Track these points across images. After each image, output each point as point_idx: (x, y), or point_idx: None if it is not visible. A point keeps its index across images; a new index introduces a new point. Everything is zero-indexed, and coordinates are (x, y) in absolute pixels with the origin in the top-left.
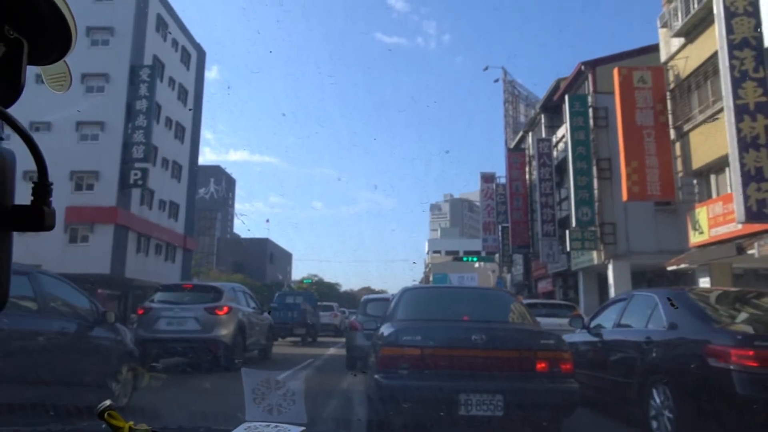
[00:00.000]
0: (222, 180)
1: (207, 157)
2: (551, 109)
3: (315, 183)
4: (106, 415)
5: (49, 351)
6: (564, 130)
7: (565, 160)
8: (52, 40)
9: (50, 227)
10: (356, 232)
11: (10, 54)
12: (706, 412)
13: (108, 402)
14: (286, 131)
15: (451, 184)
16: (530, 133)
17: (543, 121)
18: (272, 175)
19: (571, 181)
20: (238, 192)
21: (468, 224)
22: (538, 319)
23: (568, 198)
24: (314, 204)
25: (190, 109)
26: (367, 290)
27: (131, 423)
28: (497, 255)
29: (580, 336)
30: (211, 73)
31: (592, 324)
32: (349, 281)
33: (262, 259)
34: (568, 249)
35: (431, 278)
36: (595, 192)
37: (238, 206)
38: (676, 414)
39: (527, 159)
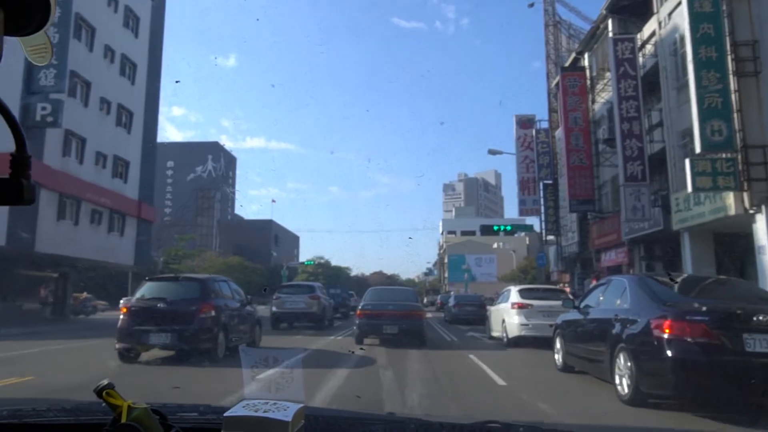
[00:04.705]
0: (221, 157)
1: (225, 144)
2: (626, 9)
3: (332, 167)
4: (104, 393)
5: (236, 316)
6: (654, 25)
7: (655, 69)
8: (30, 9)
9: (30, 201)
10: (370, 215)
11: None
12: (653, 372)
13: (106, 381)
14: (301, 113)
15: (469, 164)
16: (586, 54)
17: (611, 28)
18: (289, 161)
19: (692, 80)
20: (255, 178)
21: (483, 204)
22: (539, 302)
23: (662, 124)
24: (331, 188)
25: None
26: (380, 274)
27: (130, 401)
28: (539, 221)
29: (571, 315)
30: (228, 61)
31: (582, 305)
32: (360, 265)
33: (266, 241)
34: (689, 189)
35: (446, 260)
36: (733, 97)
37: (253, 192)
38: (633, 374)
39: (589, 81)
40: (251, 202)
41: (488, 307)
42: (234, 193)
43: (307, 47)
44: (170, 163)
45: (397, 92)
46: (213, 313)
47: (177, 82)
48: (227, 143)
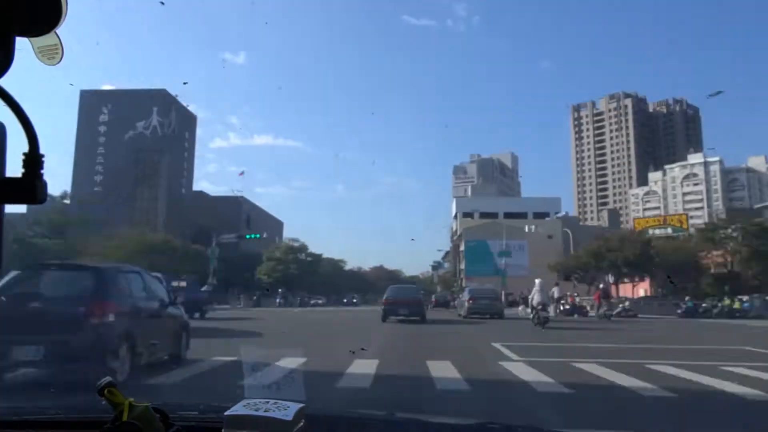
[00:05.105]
0: (171, 111)
1: (232, 141)
2: None
3: (338, 166)
4: (106, 391)
5: (150, 321)
6: None
7: None
8: (41, 11)
9: (42, 200)
10: (375, 212)
11: None
12: None
13: (108, 378)
14: (309, 111)
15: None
16: None
17: None
18: (295, 159)
19: None
20: (259, 175)
21: (499, 189)
22: None
23: None
24: (336, 186)
25: None
26: (380, 270)
27: (131, 400)
28: None
29: None
30: (238, 59)
31: None
32: (360, 260)
33: (235, 223)
34: None
35: (462, 248)
36: None
37: (259, 190)
38: None
39: None
40: (258, 198)
41: None
42: (192, 159)
43: (316, 46)
44: (103, 116)
45: (406, 89)
46: (112, 317)
47: (185, 83)
48: (234, 141)
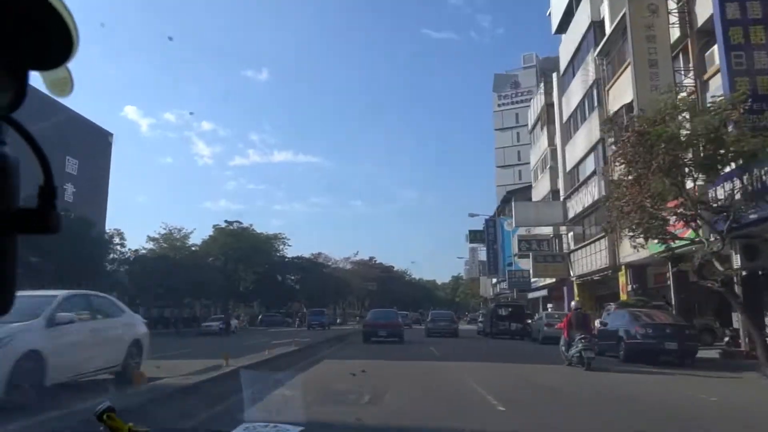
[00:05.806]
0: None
1: (251, 158)
2: None
3: (356, 181)
4: (105, 417)
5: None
6: None
7: None
8: (53, 44)
9: (55, 230)
10: (395, 226)
11: (13, 60)
12: None
13: (107, 404)
14: (329, 126)
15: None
16: None
17: None
18: (315, 175)
19: None
20: (277, 193)
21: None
22: None
23: None
24: (353, 203)
25: None
26: (367, 266)
27: (131, 425)
28: None
29: None
30: (261, 76)
31: None
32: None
33: None
34: None
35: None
36: None
37: (277, 207)
38: None
39: None
40: (273, 216)
41: None
42: None
43: (335, 61)
44: None
45: (425, 104)
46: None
47: (226, 96)
48: (254, 157)
